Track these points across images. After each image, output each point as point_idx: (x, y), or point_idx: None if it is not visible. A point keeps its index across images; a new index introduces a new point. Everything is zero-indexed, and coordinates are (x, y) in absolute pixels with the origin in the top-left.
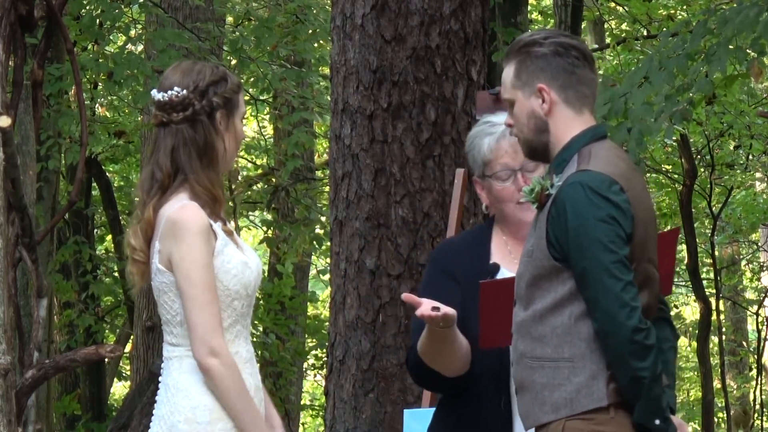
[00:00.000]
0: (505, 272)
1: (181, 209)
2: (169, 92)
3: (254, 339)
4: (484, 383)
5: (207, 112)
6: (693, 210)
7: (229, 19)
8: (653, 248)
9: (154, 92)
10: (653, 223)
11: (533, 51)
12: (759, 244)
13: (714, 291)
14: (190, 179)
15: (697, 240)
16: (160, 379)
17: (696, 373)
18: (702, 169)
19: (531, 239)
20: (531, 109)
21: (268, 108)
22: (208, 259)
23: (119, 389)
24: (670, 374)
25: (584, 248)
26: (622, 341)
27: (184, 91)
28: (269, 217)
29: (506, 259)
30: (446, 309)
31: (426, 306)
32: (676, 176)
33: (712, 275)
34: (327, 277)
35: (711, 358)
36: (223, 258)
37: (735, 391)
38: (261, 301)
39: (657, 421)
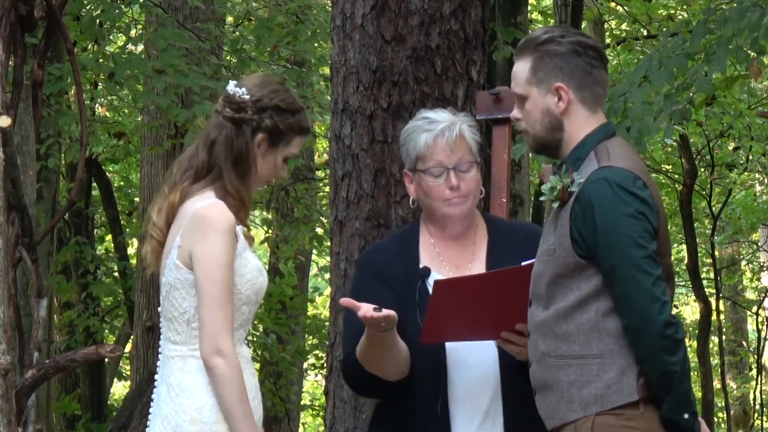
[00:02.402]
0: (436, 275)
1: (210, 206)
2: (237, 89)
3: (254, 339)
4: (421, 387)
5: (252, 127)
6: (693, 210)
7: (229, 19)
8: (669, 243)
9: (232, 81)
10: (666, 217)
11: (551, 49)
12: (759, 244)
13: (714, 291)
14: (224, 177)
15: (697, 240)
16: (156, 377)
17: (696, 373)
18: (702, 169)
19: (550, 238)
20: (546, 106)
21: None
22: (230, 260)
23: (119, 389)
24: None
25: (613, 244)
26: (654, 336)
27: (247, 96)
28: (269, 217)
29: (435, 261)
30: (387, 310)
31: (367, 308)
32: (676, 176)
33: (712, 275)
34: (327, 276)
35: (711, 358)
36: (241, 261)
37: (735, 391)
38: (262, 301)
39: (686, 415)
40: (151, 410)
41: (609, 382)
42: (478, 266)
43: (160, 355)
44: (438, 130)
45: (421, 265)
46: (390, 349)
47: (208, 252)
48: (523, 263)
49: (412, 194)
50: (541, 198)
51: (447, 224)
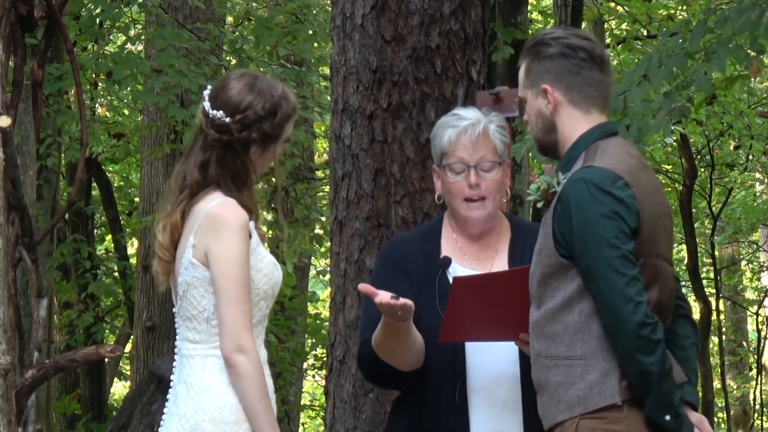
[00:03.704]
0: (457, 266)
1: (222, 205)
2: (214, 112)
3: None
4: (439, 375)
5: (242, 143)
6: (693, 210)
7: (229, 19)
8: (665, 244)
9: (206, 94)
10: (666, 218)
11: (541, 51)
12: (759, 244)
13: (714, 291)
14: (223, 188)
15: (697, 240)
16: (172, 377)
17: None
18: (702, 169)
19: (540, 238)
20: (538, 108)
21: None
22: (246, 256)
23: (119, 389)
24: (692, 371)
25: (588, 244)
26: (628, 336)
27: (227, 119)
28: (269, 217)
29: (456, 254)
30: (405, 299)
31: (385, 295)
32: (676, 176)
33: (712, 275)
34: (327, 277)
35: (711, 358)
36: (256, 257)
37: (735, 391)
38: (277, 295)
39: (667, 417)
40: (166, 409)
41: (591, 383)
42: (500, 261)
43: (176, 355)
44: (462, 127)
45: (442, 255)
46: (405, 339)
47: (224, 249)
48: None
49: (438, 190)
50: (528, 198)
51: (467, 225)
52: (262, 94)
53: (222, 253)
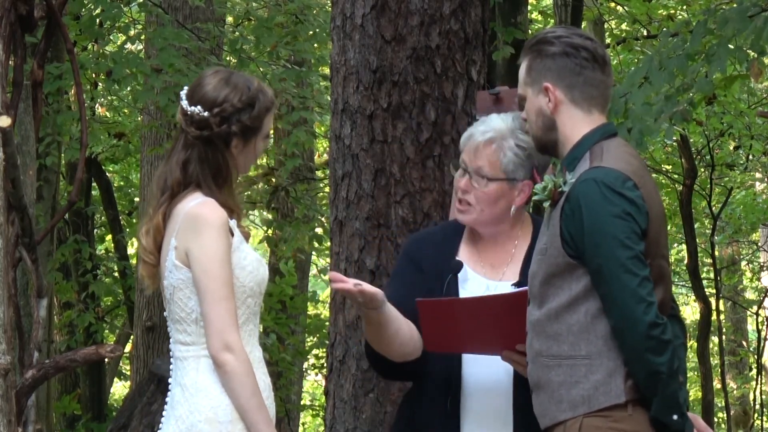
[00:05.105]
0: (469, 270)
1: (201, 205)
2: (192, 108)
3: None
4: (435, 381)
5: (223, 138)
6: (693, 210)
7: (229, 19)
8: (665, 244)
9: (182, 94)
10: (664, 219)
11: (544, 49)
12: (759, 244)
13: (714, 291)
14: (203, 189)
15: (697, 240)
16: (170, 380)
17: (696, 373)
18: (702, 169)
19: (543, 237)
20: (538, 106)
21: None
22: (227, 255)
23: (119, 389)
24: (682, 371)
25: (600, 245)
26: (639, 337)
27: (206, 113)
28: (269, 216)
29: (473, 256)
30: (367, 287)
31: (349, 283)
32: (676, 176)
33: (712, 275)
34: (327, 276)
35: (711, 358)
36: (240, 254)
37: (735, 391)
38: (264, 292)
39: (674, 417)
40: (164, 412)
41: (596, 383)
42: (513, 269)
43: (171, 358)
44: (475, 131)
45: (456, 258)
46: (383, 329)
47: (204, 249)
48: (516, 290)
49: None
50: (534, 198)
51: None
52: (237, 88)
53: (202, 252)
